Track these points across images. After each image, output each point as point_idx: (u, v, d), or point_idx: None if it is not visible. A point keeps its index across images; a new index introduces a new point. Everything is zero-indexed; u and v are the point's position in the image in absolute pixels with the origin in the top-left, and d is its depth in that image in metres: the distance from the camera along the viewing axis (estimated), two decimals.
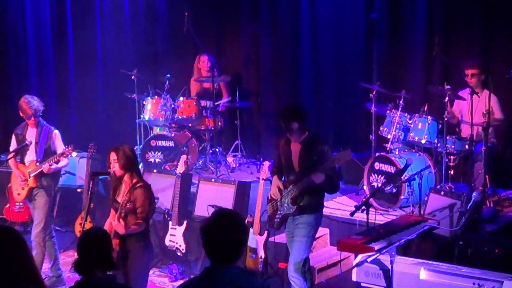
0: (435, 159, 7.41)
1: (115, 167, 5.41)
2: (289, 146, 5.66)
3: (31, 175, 6.82)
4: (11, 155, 6.96)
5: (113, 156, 5.44)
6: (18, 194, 7.01)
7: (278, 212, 5.72)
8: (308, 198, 5.57)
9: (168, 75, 9.06)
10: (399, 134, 7.47)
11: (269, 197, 5.85)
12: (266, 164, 6.57)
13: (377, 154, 7.50)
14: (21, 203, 8.18)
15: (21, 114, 6.89)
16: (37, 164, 6.82)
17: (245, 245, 3.40)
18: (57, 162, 6.82)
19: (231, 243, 3.28)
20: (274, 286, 6.54)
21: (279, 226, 5.80)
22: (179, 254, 7.09)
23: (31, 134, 6.91)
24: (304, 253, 5.59)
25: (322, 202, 5.76)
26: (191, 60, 9.92)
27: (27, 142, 6.90)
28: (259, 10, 9.73)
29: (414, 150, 7.55)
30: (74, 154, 6.83)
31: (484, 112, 6.97)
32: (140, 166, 7.84)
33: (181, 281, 7.03)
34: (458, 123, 7.71)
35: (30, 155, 6.90)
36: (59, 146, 6.89)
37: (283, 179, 5.79)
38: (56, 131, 6.95)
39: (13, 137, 7.05)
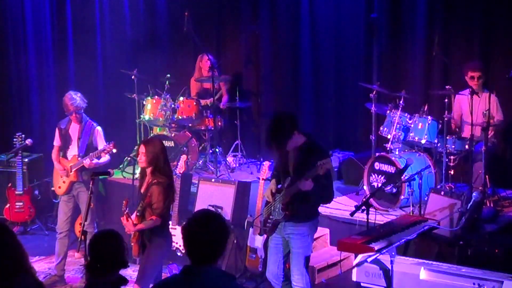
0: (435, 159, 7.41)
1: (141, 159, 5.57)
2: (286, 150, 5.43)
3: (73, 169, 6.94)
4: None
5: (142, 148, 5.59)
6: (59, 187, 7.12)
7: (271, 216, 5.55)
8: (300, 205, 5.32)
9: (168, 75, 9.06)
10: (399, 134, 7.47)
11: (266, 200, 5.71)
12: (266, 164, 6.57)
13: (377, 154, 7.50)
14: (21, 203, 8.22)
15: (64, 110, 7.03)
16: (79, 159, 6.93)
17: (225, 246, 3.37)
18: (98, 158, 6.94)
19: (210, 243, 3.28)
20: None
21: (270, 232, 5.56)
22: (179, 254, 7.09)
23: (74, 130, 7.06)
24: (304, 259, 5.46)
25: (317, 210, 5.55)
26: (191, 60, 9.91)
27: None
28: (259, 10, 9.73)
29: (414, 150, 7.55)
30: (114, 150, 6.92)
31: (484, 112, 6.98)
32: None
33: None
34: (459, 123, 7.71)
35: (72, 150, 7.03)
36: (101, 143, 7.01)
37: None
38: (98, 128, 7.09)
39: (56, 131, 7.16)
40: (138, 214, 5.51)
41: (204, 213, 3.42)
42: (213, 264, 3.30)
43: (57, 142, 7.15)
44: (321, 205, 5.65)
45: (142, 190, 5.62)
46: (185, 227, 3.34)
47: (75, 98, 6.97)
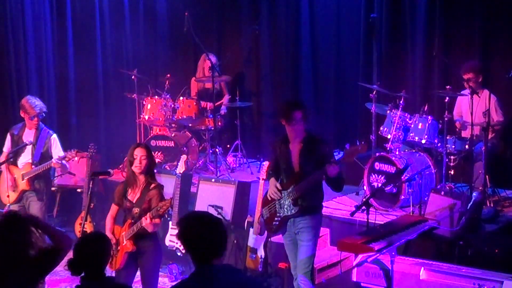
0: (435, 159, 7.41)
1: (142, 163, 5.37)
2: (287, 147, 5.52)
3: (25, 177, 6.71)
4: (6, 156, 6.79)
5: (141, 152, 5.39)
6: (7, 196, 6.81)
7: (277, 214, 5.57)
8: (310, 198, 5.46)
9: (168, 75, 9.06)
10: (399, 134, 7.46)
11: (268, 198, 5.67)
12: (266, 164, 6.55)
13: (377, 154, 7.49)
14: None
15: (22, 115, 6.77)
16: (33, 166, 6.70)
17: (226, 239, 3.46)
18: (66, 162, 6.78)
19: (206, 239, 3.33)
20: (275, 286, 6.55)
21: (277, 229, 5.63)
22: (179, 254, 7.09)
23: (28, 136, 6.78)
24: (312, 254, 5.53)
25: (322, 203, 5.68)
26: (191, 60, 9.92)
27: (26, 142, 6.76)
28: (259, 10, 9.74)
29: (414, 150, 7.55)
30: (76, 158, 6.78)
31: (484, 112, 6.97)
32: None
33: None
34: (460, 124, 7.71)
35: (25, 157, 6.78)
36: (56, 151, 6.77)
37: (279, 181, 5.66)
38: (54, 136, 6.85)
39: (8, 136, 6.90)
40: (132, 221, 5.39)
41: (191, 214, 3.59)
42: (219, 258, 3.34)
43: (7, 148, 6.87)
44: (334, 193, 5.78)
45: (130, 197, 5.48)
46: (181, 232, 3.40)
47: (36, 102, 6.68)
